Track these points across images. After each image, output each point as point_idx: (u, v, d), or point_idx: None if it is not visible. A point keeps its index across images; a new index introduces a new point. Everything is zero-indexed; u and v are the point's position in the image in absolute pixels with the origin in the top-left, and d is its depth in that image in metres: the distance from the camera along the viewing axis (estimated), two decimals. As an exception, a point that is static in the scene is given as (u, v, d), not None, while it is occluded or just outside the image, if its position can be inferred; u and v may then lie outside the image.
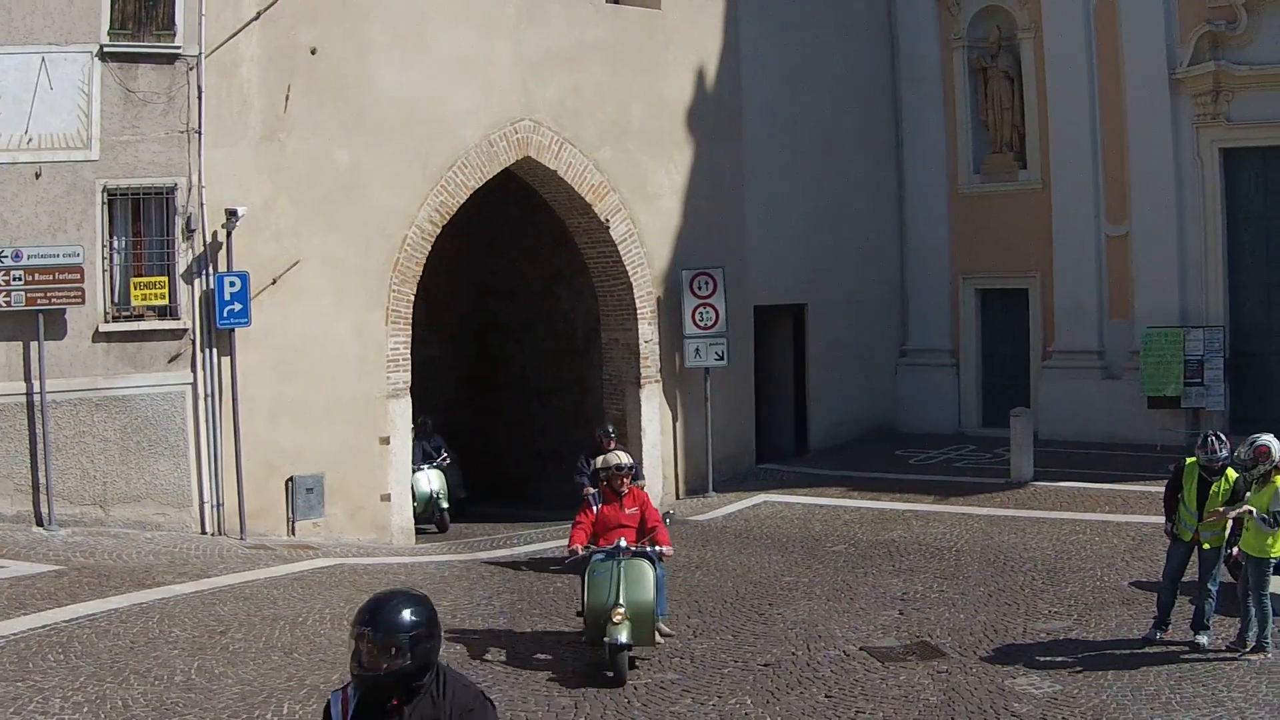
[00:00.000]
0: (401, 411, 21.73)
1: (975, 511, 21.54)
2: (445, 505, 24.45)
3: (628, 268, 24.45)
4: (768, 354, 27.91)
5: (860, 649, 13.94)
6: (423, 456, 24.26)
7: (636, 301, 24.52)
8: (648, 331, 24.66)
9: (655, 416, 24.71)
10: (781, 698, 12.40)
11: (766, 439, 27.86)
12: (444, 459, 24.96)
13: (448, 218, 22.29)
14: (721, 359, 24.70)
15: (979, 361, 29.81)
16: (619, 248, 24.33)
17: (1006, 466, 24.12)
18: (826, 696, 12.40)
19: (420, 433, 24.07)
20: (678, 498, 24.61)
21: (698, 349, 24.62)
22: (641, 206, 24.60)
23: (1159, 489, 14.41)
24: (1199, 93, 25.78)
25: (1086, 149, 27.44)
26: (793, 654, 13.82)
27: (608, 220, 24.11)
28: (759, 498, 23.93)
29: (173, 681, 12.42)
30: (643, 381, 24.58)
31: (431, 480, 24.30)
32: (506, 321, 29.49)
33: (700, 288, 24.53)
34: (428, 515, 24.13)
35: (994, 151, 29.38)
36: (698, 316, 24.50)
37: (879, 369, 30.14)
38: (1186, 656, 13.29)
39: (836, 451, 28.11)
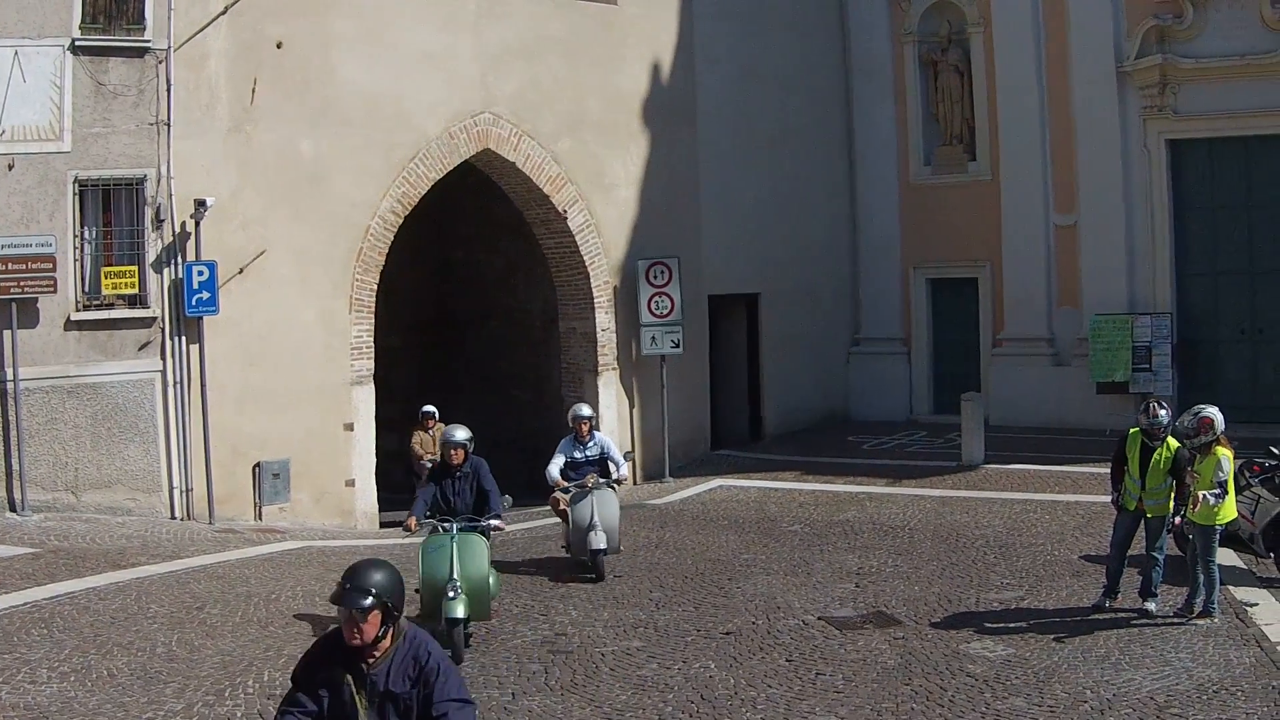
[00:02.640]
0: (365, 398, 21.99)
1: (928, 493, 21.99)
2: (602, 547, 16.40)
3: (585, 257, 24.79)
4: (723, 342, 28.30)
5: (818, 618, 14.29)
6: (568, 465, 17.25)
7: (594, 291, 24.88)
8: (605, 320, 25.01)
9: (613, 404, 25.04)
10: (744, 662, 12.78)
11: (722, 426, 28.19)
12: (599, 482, 16.87)
13: (410, 208, 22.60)
14: (677, 346, 25.03)
15: (930, 349, 30.26)
16: (576, 238, 24.67)
17: (958, 450, 24.57)
18: (787, 661, 12.78)
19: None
20: (635, 484, 24.92)
21: (654, 337, 24.92)
22: (598, 197, 24.96)
23: (1109, 470, 14.86)
24: (1146, 85, 26.38)
25: (1035, 141, 27.99)
26: (753, 623, 14.17)
27: (565, 211, 24.45)
28: (715, 482, 24.27)
29: (155, 653, 12.75)
30: (600, 370, 24.93)
31: (604, 502, 16.77)
32: (464, 312, 29.70)
33: (656, 277, 24.83)
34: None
35: (944, 144, 29.86)
36: (653, 305, 24.82)
37: (832, 357, 30.59)
38: (1135, 622, 13.69)
39: (791, 438, 28.52)
